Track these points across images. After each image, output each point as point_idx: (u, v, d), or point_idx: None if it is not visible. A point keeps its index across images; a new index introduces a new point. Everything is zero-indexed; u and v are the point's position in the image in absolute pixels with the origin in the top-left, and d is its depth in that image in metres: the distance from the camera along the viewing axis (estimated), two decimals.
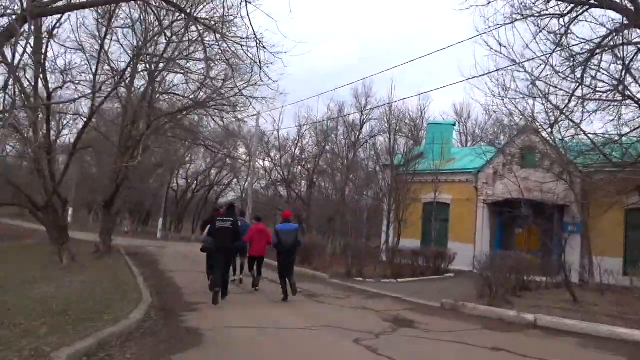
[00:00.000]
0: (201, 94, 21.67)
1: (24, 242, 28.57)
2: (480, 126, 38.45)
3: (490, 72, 13.54)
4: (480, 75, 13.81)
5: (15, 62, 6.48)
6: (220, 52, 16.58)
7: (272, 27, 8.74)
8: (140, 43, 15.07)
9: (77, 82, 15.11)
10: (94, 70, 15.69)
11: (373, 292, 13.82)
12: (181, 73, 19.80)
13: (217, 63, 16.35)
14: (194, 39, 17.77)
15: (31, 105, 14.25)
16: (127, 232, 41.17)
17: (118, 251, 21.80)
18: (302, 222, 30.15)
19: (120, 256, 19.84)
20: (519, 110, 13.63)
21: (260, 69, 9.08)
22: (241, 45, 10.36)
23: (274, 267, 14.33)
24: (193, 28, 18.37)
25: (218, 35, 9.66)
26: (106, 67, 18.13)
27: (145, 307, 9.29)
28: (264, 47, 8.70)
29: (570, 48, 11.53)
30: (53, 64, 15.42)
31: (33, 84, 15.82)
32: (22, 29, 6.06)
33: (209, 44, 18.83)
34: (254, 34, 8.39)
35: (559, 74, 11.61)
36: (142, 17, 16.09)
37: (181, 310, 9.92)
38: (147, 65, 18.15)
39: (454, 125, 32.25)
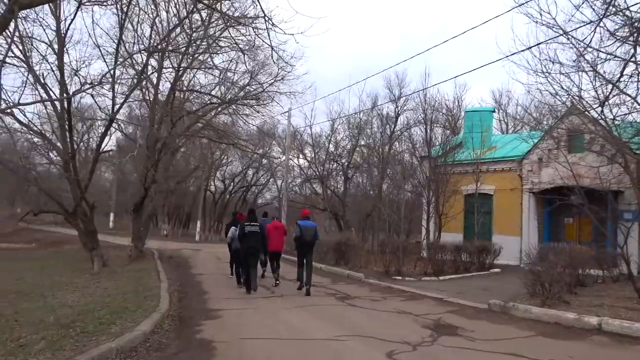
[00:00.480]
0: (224, 89, 20.97)
1: (64, 248, 28.46)
2: (522, 111, 36.33)
3: (532, 47, 12.08)
4: (521, 51, 12.35)
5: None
6: (234, 41, 16.14)
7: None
8: (159, 37, 14.27)
9: (97, 82, 14.44)
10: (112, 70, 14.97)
11: (412, 292, 12.59)
12: (207, 69, 19.05)
13: (244, 55, 15.53)
14: (217, 32, 17.08)
15: (48, 100, 13.65)
16: (167, 235, 40.98)
17: (152, 255, 21.21)
18: (339, 219, 29.06)
19: (153, 260, 19.19)
20: (565, 89, 12.10)
21: (272, 49, 8.03)
22: (255, 30, 9.32)
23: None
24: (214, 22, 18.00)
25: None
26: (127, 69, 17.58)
27: (158, 316, 8.40)
28: (273, 24, 7.66)
29: (625, 10, 10.00)
30: (72, 69, 14.79)
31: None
32: None
33: (228, 37, 18.43)
34: (262, 11, 7.40)
35: (614, 35, 10.08)
36: (157, 11, 15.33)
37: (199, 318, 9.00)
38: (170, 62, 17.50)
39: (494, 111, 30.48)
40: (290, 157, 31.28)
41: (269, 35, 7.85)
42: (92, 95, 14.58)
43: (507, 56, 12.55)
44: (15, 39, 13.28)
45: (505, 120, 39.45)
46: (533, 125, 22.97)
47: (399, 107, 29.76)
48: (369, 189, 28.76)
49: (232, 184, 49.64)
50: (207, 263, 20.35)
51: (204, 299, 11.36)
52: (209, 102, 20.66)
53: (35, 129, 16.89)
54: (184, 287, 13.13)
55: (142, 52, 14.36)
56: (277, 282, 13.71)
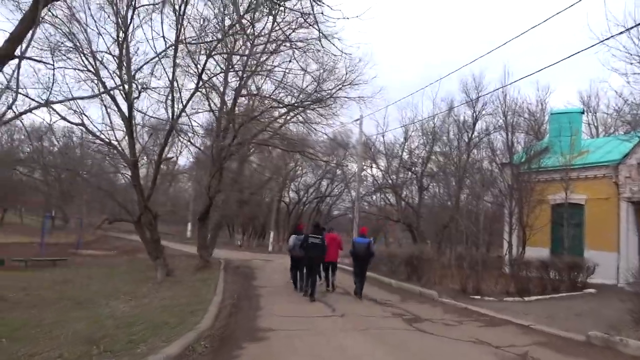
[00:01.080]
0: (290, 99, 20.11)
1: (137, 256, 28.61)
2: (614, 113, 32.83)
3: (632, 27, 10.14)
4: (619, 33, 10.43)
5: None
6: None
7: None
8: (219, 35, 13.53)
9: (155, 88, 14.04)
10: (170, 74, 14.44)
11: (492, 315, 10.84)
12: (269, 71, 18.26)
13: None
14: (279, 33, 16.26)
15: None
16: (241, 245, 40.83)
17: (218, 265, 20.57)
18: (413, 230, 27.33)
19: (217, 271, 18.48)
20: None
21: (320, 33, 6.82)
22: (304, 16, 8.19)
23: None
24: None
25: None
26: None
27: (193, 336, 7.41)
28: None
29: None
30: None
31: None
32: None
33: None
34: None
35: None
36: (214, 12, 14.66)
37: (243, 340, 7.89)
38: (231, 66, 16.81)
39: (583, 112, 27.61)
40: (365, 166, 30.00)
41: (313, 14, 6.62)
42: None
43: (602, 40, 10.67)
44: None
45: (595, 124, 35.99)
46: (633, 124, 20.20)
47: (477, 112, 27.66)
48: (446, 199, 26.82)
49: (305, 195, 48.97)
50: (274, 274, 19.42)
51: (256, 316, 10.27)
52: (269, 106, 19.81)
53: (104, 137, 16.79)
54: (240, 301, 12.14)
55: (202, 54, 13.72)
56: (331, 289, 14.74)
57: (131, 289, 14.46)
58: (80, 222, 37.82)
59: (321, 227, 14.68)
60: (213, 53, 13.69)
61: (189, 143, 19.27)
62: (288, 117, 22.94)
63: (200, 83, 14.82)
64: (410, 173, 25.77)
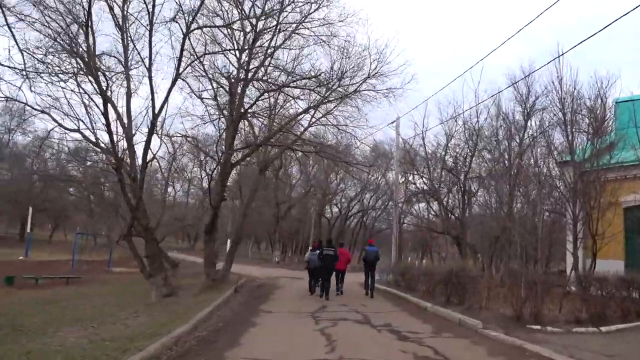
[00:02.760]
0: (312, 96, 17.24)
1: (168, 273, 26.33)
2: None
3: None
4: None
5: None
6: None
7: None
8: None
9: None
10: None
11: None
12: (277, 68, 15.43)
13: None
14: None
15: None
16: (278, 262, 38.05)
17: (232, 284, 17.73)
18: (460, 243, 23.66)
19: (224, 292, 15.61)
20: None
21: None
22: None
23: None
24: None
25: None
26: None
27: None
28: None
29: None
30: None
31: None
32: None
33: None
34: None
35: None
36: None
37: None
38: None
39: None
40: (404, 173, 26.65)
41: None
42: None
43: None
44: None
45: None
46: None
47: (528, 108, 23.89)
48: (497, 207, 23.02)
49: (348, 209, 45.86)
50: (293, 295, 16.44)
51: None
52: (283, 100, 16.95)
53: (103, 146, 14.44)
54: (217, 334, 9.18)
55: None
56: (340, 292, 16.58)
57: (114, 312, 12.04)
58: (110, 239, 36.08)
59: (333, 242, 18.14)
60: (193, 27, 11.01)
61: (185, 141, 16.44)
62: (312, 120, 20.08)
63: (181, 69, 12.14)
64: (452, 175, 22.02)
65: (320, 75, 15.04)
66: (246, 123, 18.39)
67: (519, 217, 20.09)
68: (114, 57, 13.02)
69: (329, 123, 20.25)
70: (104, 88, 11.68)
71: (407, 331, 9.71)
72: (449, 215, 23.35)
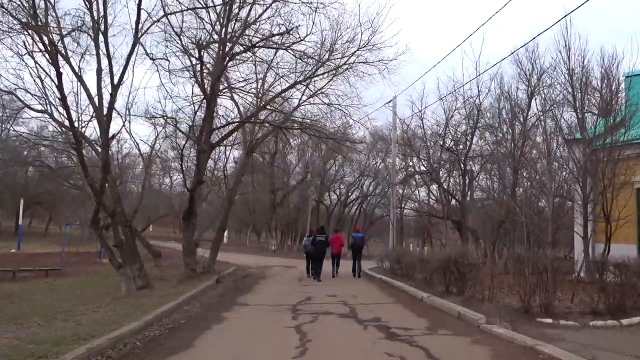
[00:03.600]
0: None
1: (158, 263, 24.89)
2: None
3: None
4: None
5: None
6: None
7: None
8: None
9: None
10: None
11: None
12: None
13: None
14: None
15: None
16: (274, 251, 36.60)
17: (214, 274, 16.26)
18: (461, 228, 22.15)
19: (203, 282, 14.15)
20: None
21: None
22: None
23: None
24: None
25: None
26: None
27: None
28: None
29: None
30: None
31: None
32: None
33: None
34: None
35: None
36: None
37: None
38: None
39: None
40: (401, 154, 25.05)
41: None
42: None
43: None
44: None
45: None
46: None
47: (532, 86, 22.22)
48: (500, 188, 21.39)
49: (346, 195, 44.32)
50: (279, 286, 15.00)
51: None
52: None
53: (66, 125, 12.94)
54: (173, 333, 7.72)
55: None
56: (336, 274, 17.77)
57: (74, 307, 10.56)
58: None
59: (325, 229, 19.48)
60: None
61: (165, 123, 14.79)
62: (302, 98, 18.53)
63: (140, 33, 10.54)
64: (452, 154, 20.24)
65: (298, 27, 13.36)
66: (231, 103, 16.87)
67: (524, 198, 18.54)
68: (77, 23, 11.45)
69: (321, 102, 18.75)
70: (55, 55, 10.11)
71: (398, 327, 8.22)
72: (450, 198, 21.76)
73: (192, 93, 13.68)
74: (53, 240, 39.24)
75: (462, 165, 19.00)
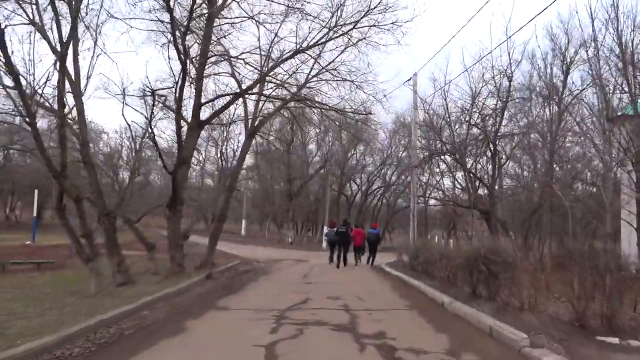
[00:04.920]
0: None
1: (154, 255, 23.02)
2: None
3: None
4: None
5: None
6: None
7: None
8: None
9: None
10: None
11: None
12: None
13: None
14: None
15: None
16: (291, 243, 34.42)
17: (208, 269, 14.13)
18: (489, 218, 19.46)
19: (188, 279, 12.03)
20: None
21: None
22: None
23: None
24: None
25: None
26: None
27: None
28: None
29: None
30: None
31: None
32: None
33: None
34: None
35: None
36: None
37: None
38: None
39: None
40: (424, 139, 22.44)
41: None
42: None
43: None
44: None
45: None
46: None
47: (567, 61, 19.35)
48: (531, 174, 18.61)
49: (368, 184, 41.84)
50: (278, 284, 12.78)
51: None
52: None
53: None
54: (97, 354, 5.56)
55: None
56: (359, 262, 19.46)
57: (23, 308, 8.55)
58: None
59: (348, 222, 21.57)
60: None
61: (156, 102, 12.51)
62: (310, 72, 16.22)
63: None
64: (480, 132, 17.32)
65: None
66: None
67: (563, 183, 15.79)
68: None
69: (332, 78, 16.41)
70: None
71: (407, 348, 5.89)
72: (477, 184, 19.08)
73: (169, 58, 11.36)
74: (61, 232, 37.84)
75: (491, 145, 16.27)
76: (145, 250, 17.47)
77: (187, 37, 13.29)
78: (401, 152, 37.95)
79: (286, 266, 18.40)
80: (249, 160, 46.63)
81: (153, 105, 9.45)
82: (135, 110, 16.20)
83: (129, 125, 11.10)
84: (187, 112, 13.38)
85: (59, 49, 9.92)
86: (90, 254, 11.22)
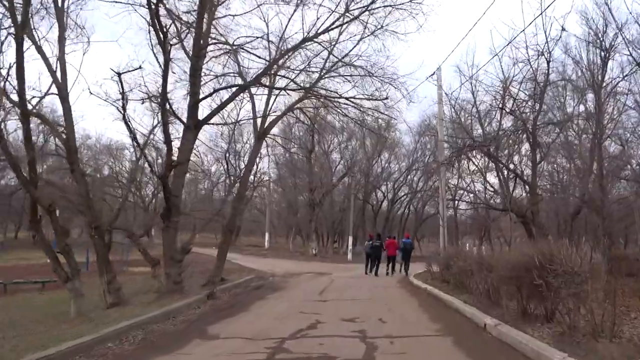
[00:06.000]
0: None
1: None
2: None
3: None
4: None
5: None
6: None
7: None
8: None
9: None
10: None
11: None
12: None
13: None
14: None
15: None
16: (315, 254, 32.46)
17: (214, 286, 12.35)
18: (528, 222, 17.21)
19: (192, 297, 10.29)
20: None
21: None
22: None
23: None
24: None
25: None
26: None
27: None
28: None
29: None
30: None
31: None
32: None
33: None
34: None
35: None
36: None
37: None
38: None
39: None
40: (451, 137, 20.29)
41: None
42: None
43: None
44: None
45: None
46: None
47: (607, 49, 17.00)
48: (577, 169, 16.26)
49: (394, 191, 39.65)
50: (289, 303, 10.89)
51: None
52: None
53: None
54: None
55: None
56: (390, 272, 19.81)
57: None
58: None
59: (380, 235, 22.66)
60: None
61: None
62: (325, 65, 14.45)
63: None
64: (517, 121, 14.89)
65: None
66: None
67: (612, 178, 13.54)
68: None
69: (351, 73, 14.67)
70: None
71: None
72: (512, 183, 16.83)
73: (151, 46, 9.66)
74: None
75: (530, 136, 14.00)
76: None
77: (185, 32, 11.89)
78: (428, 157, 35.74)
79: (304, 280, 16.55)
80: (272, 172, 45.23)
81: (122, 90, 7.80)
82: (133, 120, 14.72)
83: (132, 130, 9.32)
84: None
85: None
86: (69, 273, 9.59)
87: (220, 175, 35.80)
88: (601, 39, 17.22)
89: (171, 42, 9.48)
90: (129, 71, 8.05)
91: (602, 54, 17.36)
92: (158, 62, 9.08)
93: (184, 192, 48.18)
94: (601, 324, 5.66)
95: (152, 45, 9.30)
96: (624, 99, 17.32)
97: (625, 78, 16.53)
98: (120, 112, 8.24)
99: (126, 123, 8.40)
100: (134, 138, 8.83)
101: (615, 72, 17.20)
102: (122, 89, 7.91)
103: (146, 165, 14.13)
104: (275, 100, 15.37)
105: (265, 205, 44.13)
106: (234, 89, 12.49)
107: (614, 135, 17.78)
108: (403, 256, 19.92)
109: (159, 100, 9.06)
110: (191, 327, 8.04)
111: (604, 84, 17.41)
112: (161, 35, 8.53)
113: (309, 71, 14.76)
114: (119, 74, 7.85)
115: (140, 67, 8.02)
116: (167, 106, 9.87)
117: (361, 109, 14.46)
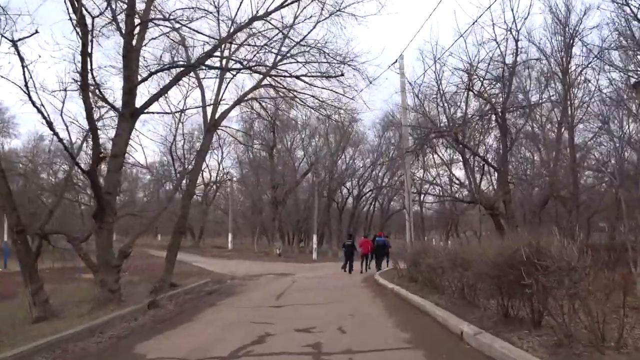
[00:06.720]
0: None
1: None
2: None
3: None
4: None
5: None
6: None
7: None
8: None
9: None
10: None
11: None
12: None
13: None
14: None
15: None
16: (280, 254, 31.10)
17: (156, 294, 10.93)
18: (496, 214, 16.40)
19: (127, 308, 8.88)
20: None
21: None
22: None
23: None
24: None
25: None
26: None
27: None
28: None
29: None
30: None
31: None
32: None
33: None
34: None
35: None
36: None
37: None
38: None
39: None
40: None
41: None
42: None
43: None
44: None
45: None
46: None
47: (570, 30, 16.35)
48: (544, 158, 15.56)
49: (359, 188, 38.69)
50: (244, 309, 9.59)
51: None
52: None
53: None
54: None
55: None
56: (362, 271, 19.23)
57: None
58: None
59: (352, 235, 23.98)
60: None
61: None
62: (280, 52, 13.21)
63: None
64: (483, 101, 13.92)
65: None
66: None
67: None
68: None
69: (308, 60, 13.48)
70: None
71: None
72: (482, 174, 15.97)
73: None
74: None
75: (499, 119, 13.06)
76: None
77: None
78: (392, 152, 34.86)
79: (263, 283, 15.25)
80: (234, 172, 43.61)
81: (23, 62, 6.31)
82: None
83: (40, 112, 7.76)
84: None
85: None
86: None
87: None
88: (564, 26, 16.66)
89: (94, 14, 8.02)
90: (25, 38, 6.56)
91: (566, 38, 16.79)
92: (78, 34, 7.61)
93: (143, 192, 45.66)
94: (602, 329, 4.62)
95: (71, 19, 7.81)
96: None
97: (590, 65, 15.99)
98: (25, 92, 6.76)
99: (34, 104, 6.92)
100: (49, 124, 7.31)
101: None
102: (22, 60, 6.45)
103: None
104: (226, 88, 14.08)
105: (229, 205, 42.46)
106: (176, 73, 11.04)
107: (584, 121, 17.25)
108: (376, 254, 19.71)
109: (80, 80, 7.58)
110: (118, 344, 6.68)
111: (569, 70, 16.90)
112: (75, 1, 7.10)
113: (262, 57, 13.58)
114: (14, 42, 6.39)
115: (36, 32, 6.53)
116: (93, 88, 8.38)
117: (320, 98, 13.28)
